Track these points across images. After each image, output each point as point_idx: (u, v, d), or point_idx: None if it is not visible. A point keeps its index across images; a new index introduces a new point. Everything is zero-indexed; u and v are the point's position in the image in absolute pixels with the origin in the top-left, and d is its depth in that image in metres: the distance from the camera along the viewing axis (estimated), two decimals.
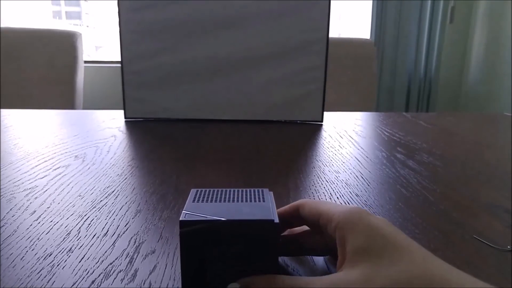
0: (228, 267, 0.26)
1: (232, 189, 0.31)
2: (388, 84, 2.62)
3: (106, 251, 0.33)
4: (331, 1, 0.85)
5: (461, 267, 0.31)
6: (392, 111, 2.67)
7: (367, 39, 2.32)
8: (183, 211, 0.26)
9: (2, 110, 1.00)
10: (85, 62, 2.29)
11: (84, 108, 2.40)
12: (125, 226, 0.38)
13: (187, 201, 0.29)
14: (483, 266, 0.32)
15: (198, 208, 0.27)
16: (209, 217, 0.26)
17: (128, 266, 0.31)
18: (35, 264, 0.31)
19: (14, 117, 0.91)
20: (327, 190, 0.48)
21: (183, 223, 0.25)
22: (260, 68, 0.88)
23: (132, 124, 0.85)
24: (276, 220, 0.26)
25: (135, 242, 0.35)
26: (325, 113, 1.01)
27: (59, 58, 1.91)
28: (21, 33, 1.94)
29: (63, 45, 1.92)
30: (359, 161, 0.61)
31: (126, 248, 0.34)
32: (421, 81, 2.61)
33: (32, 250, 0.33)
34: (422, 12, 2.54)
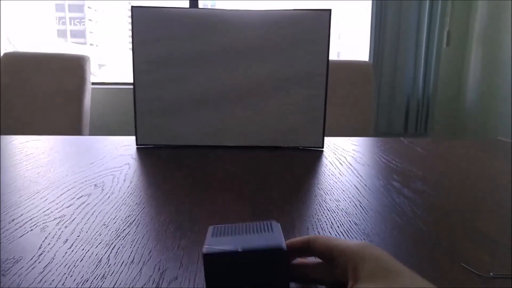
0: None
1: (244, 224, 0.35)
2: (387, 106, 2.68)
3: (134, 278, 0.38)
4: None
5: None
6: (391, 132, 2.72)
7: (366, 61, 2.39)
8: (205, 246, 0.31)
9: (18, 137, 1.05)
10: (92, 83, 2.35)
11: (91, 128, 2.45)
12: (149, 254, 0.42)
13: (206, 236, 0.33)
14: None
15: (217, 242, 0.32)
16: (228, 249, 0.30)
17: None
18: None
19: (32, 144, 0.96)
20: (329, 219, 0.53)
21: (206, 256, 0.30)
22: (264, 97, 0.94)
23: (143, 151, 0.90)
24: (285, 248, 0.31)
25: (159, 269, 0.39)
26: (325, 138, 1.06)
27: (68, 81, 1.98)
28: (31, 58, 2.01)
29: (72, 68, 1.98)
30: (358, 189, 0.66)
31: (152, 275, 0.38)
32: (419, 103, 2.67)
33: (71, 276, 0.37)
34: (419, 35, 2.62)
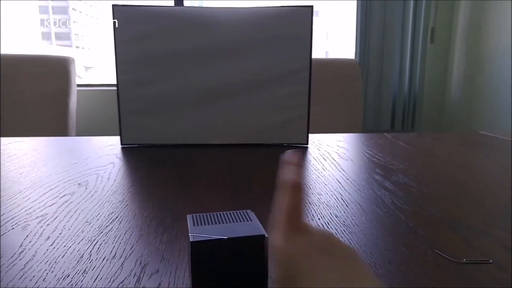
0: (231, 275, 0.31)
1: (221, 213, 0.36)
2: (374, 103, 2.71)
3: (116, 272, 0.38)
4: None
5: (423, 278, 0.37)
6: (378, 129, 2.75)
7: (352, 59, 2.41)
8: (190, 234, 0.32)
9: (2, 138, 1.04)
10: (78, 85, 2.34)
11: (77, 131, 2.43)
12: (131, 249, 0.43)
13: (188, 226, 0.34)
14: (442, 277, 0.37)
15: (201, 230, 0.33)
16: (214, 237, 0.31)
17: (137, 284, 0.36)
18: (56, 284, 0.35)
19: (14, 146, 0.96)
20: (310, 212, 0.53)
21: (193, 244, 0.31)
22: (248, 95, 0.94)
23: (128, 151, 0.90)
24: (266, 235, 0.32)
25: (140, 263, 0.40)
26: (310, 134, 1.07)
27: (53, 83, 1.96)
28: (15, 59, 1.98)
29: (56, 70, 1.97)
30: (340, 183, 0.67)
31: (133, 269, 0.38)
32: (405, 100, 2.70)
33: (52, 272, 0.37)
34: (404, 32, 2.65)
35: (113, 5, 0.87)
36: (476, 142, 1.03)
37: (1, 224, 0.49)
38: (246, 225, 0.34)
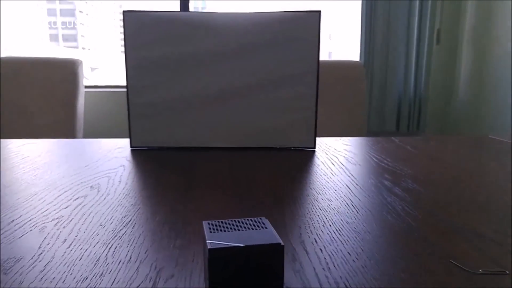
0: (247, 282, 0.32)
1: (236, 219, 0.37)
2: (379, 105, 2.71)
3: (132, 276, 0.39)
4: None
5: None
6: (384, 130, 2.75)
7: (357, 61, 2.42)
8: (207, 241, 0.33)
9: (14, 140, 1.06)
10: (85, 87, 2.35)
11: (85, 132, 2.45)
12: (145, 253, 0.43)
13: (205, 232, 0.35)
14: (457, 287, 0.38)
15: (217, 237, 0.33)
16: (231, 244, 0.32)
17: None
18: (76, 286, 0.36)
19: (28, 147, 0.97)
20: (321, 218, 0.54)
21: (211, 251, 0.31)
22: (255, 98, 0.95)
23: (137, 153, 0.91)
24: (282, 243, 0.33)
25: (155, 267, 0.40)
26: (317, 138, 1.08)
27: (61, 86, 1.98)
28: (23, 62, 2.00)
29: (64, 73, 1.99)
30: (349, 188, 0.67)
31: (148, 273, 0.39)
32: (411, 101, 2.70)
33: (71, 274, 0.38)
34: (410, 33, 2.65)
35: (123, 12, 0.88)
36: (485, 146, 1.03)
37: (20, 226, 0.50)
38: (262, 232, 0.34)
